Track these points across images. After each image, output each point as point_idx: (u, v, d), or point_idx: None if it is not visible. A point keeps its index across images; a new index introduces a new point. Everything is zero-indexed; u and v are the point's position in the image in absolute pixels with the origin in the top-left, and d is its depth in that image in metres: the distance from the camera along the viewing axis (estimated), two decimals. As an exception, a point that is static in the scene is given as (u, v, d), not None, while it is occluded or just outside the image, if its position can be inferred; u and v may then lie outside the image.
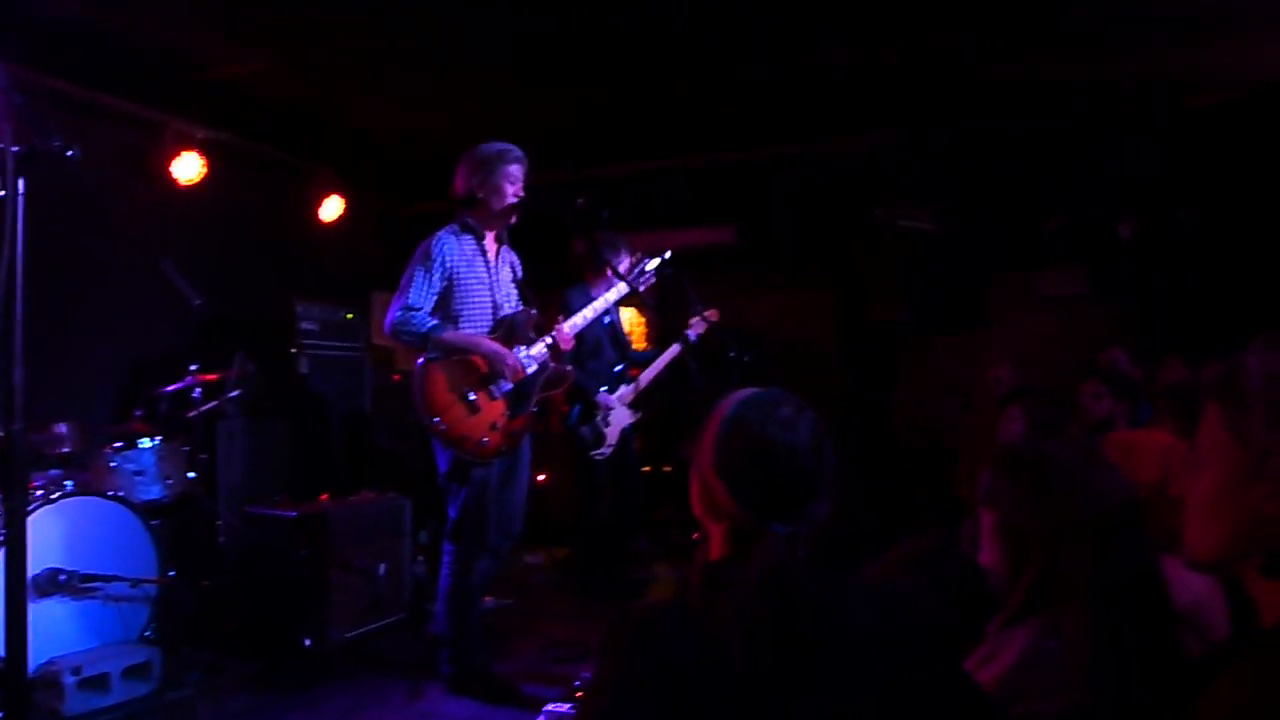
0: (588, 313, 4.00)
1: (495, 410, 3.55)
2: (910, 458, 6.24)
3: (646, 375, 5.13)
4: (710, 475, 1.43)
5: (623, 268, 4.50)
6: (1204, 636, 1.94)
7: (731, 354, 4.84)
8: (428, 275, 3.58)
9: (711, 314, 4.91)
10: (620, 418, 5.01)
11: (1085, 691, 1.55)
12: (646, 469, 7.32)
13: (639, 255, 4.30)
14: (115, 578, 3.61)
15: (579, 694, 3.54)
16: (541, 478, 6.36)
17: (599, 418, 4.89)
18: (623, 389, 5.06)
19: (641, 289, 4.10)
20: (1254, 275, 5.65)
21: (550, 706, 3.12)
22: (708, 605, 1.32)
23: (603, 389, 4.97)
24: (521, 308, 3.76)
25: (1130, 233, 5.85)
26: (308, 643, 4.13)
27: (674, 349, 5.14)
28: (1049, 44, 4.92)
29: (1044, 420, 4.28)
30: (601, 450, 4.92)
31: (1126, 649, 1.56)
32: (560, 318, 3.85)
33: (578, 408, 4.91)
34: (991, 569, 1.79)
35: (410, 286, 3.57)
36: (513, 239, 3.87)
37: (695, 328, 4.99)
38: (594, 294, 5.17)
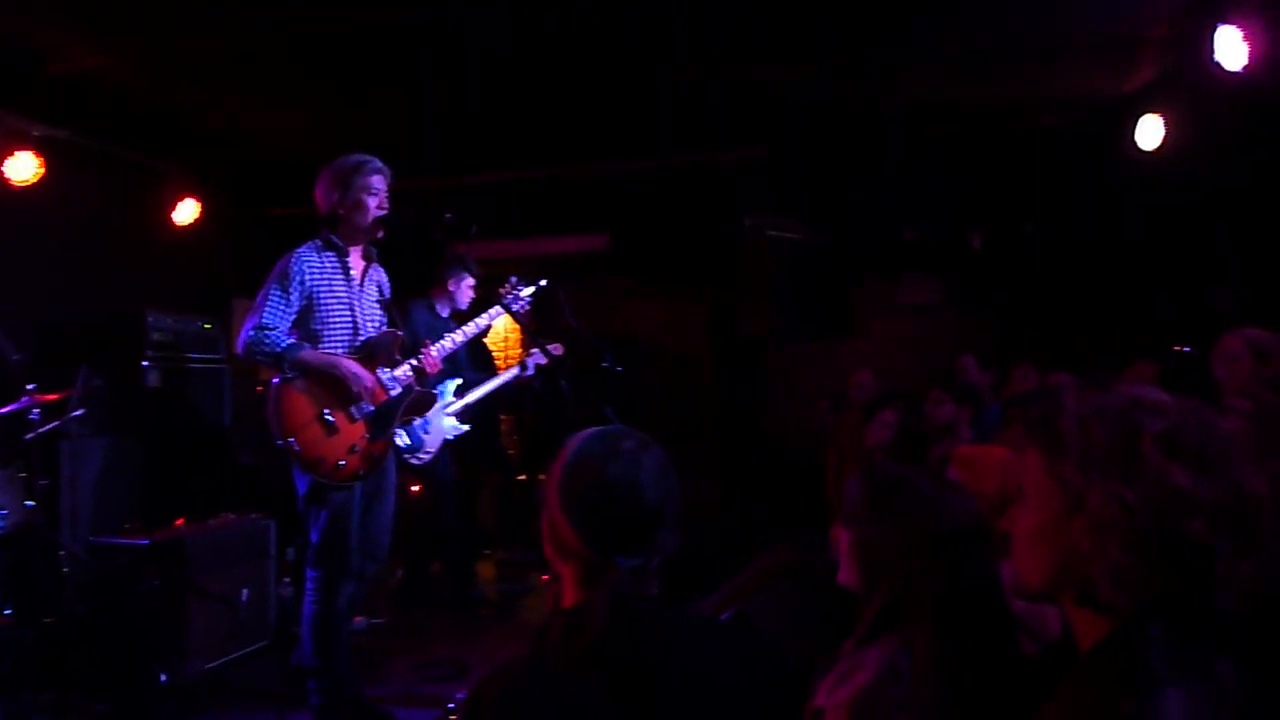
0: (458, 336, 3.93)
1: (355, 433, 3.46)
2: (783, 462, 6.41)
3: (475, 394, 5.07)
4: (556, 513, 1.45)
5: (465, 285, 4.55)
6: (1038, 637, 2.07)
7: (604, 364, 4.87)
8: (284, 294, 3.45)
9: (555, 348, 4.91)
10: (442, 428, 4.94)
11: (935, 704, 1.62)
12: (523, 477, 7.29)
13: (514, 280, 4.24)
14: (-58, 620, 3.34)
15: (451, 717, 3.49)
16: (415, 488, 6.24)
17: (417, 424, 4.80)
18: (452, 398, 4.99)
19: (516, 310, 4.06)
20: (1088, 286, 6.08)
21: (424, 732, 3.07)
22: (566, 654, 1.32)
23: None
24: (387, 329, 3.67)
25: (981, 245, 6.19)
26: (163, 677, 3.92)
27: (511, 373, 5.11)
28: (904, 67, 5.16)
29: (913, 426, 4.48)
30: (418, 455, 4.83)
31: (973, 661, 1.65)
32: (428, 341, 3.77)
33: None
34: (849, 587, 1.86)
35: (265, 305, 3.43)
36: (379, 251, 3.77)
37: (535, 357, 4.98)
38: (439, 308, 5.14)
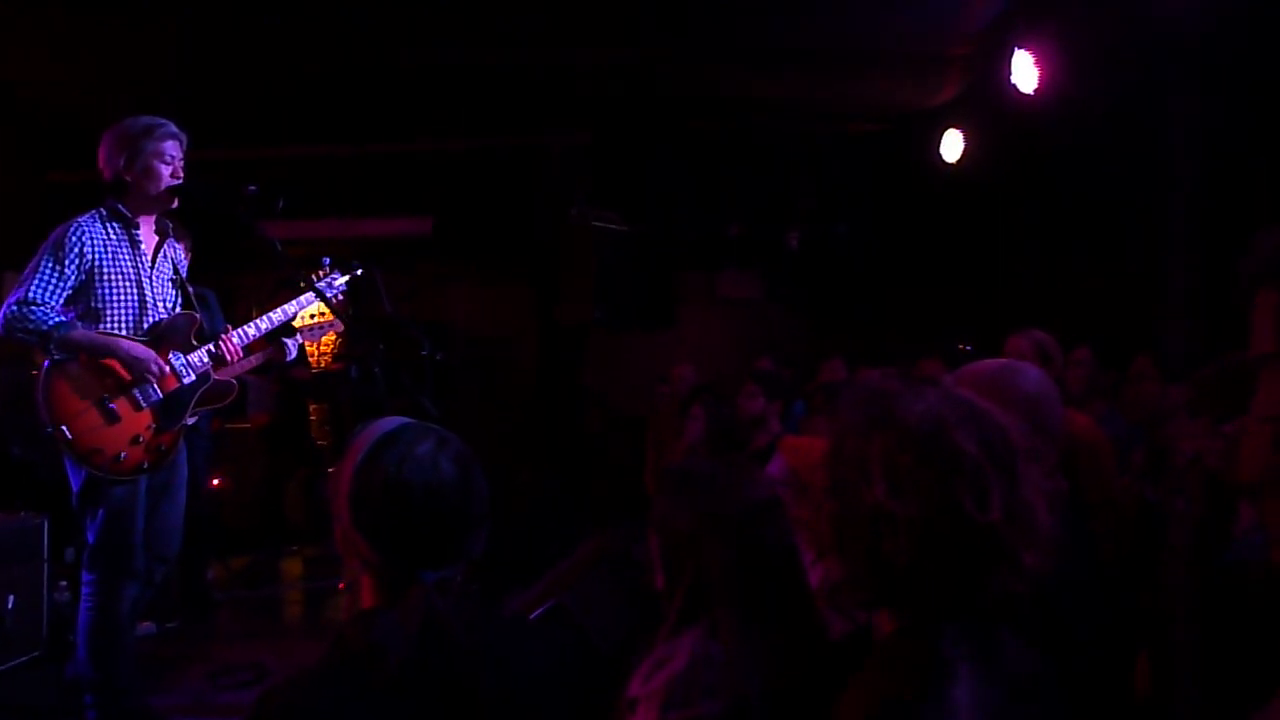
0: (262, 323, 3.63)
1: (139, 422, 3.16)
2: (603, 451, 6.43)
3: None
4: (348, 526, 1.33)
5: None
6: (848, 616, 2.14)
7: (424, 351, 4.69)
8: (57, 266, 3.11)
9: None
10: None
11: (743, 685, 1.63)
12: (335, 470, 7.00)
13: (327, 263, 3.96)
14: None
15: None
16: (216, 482, 5.86)
17: None
18: None
19: (330, 297, 3.77)
20: (896, 282, 6.45)
21: (216, 743, 2.86)
22: (366, 673, 1.23)
23: None
24: (181, 311, 3.38)
25: (797, 243, 6.46)
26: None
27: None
28: (726, 68, 5.28)
29: (722, 418, 4.58)
30: None
31: (777, 642, 1.67)
32: (228, 326, 3.50)
33: None
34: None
35: (33, 277, 3.09)
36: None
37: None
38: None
